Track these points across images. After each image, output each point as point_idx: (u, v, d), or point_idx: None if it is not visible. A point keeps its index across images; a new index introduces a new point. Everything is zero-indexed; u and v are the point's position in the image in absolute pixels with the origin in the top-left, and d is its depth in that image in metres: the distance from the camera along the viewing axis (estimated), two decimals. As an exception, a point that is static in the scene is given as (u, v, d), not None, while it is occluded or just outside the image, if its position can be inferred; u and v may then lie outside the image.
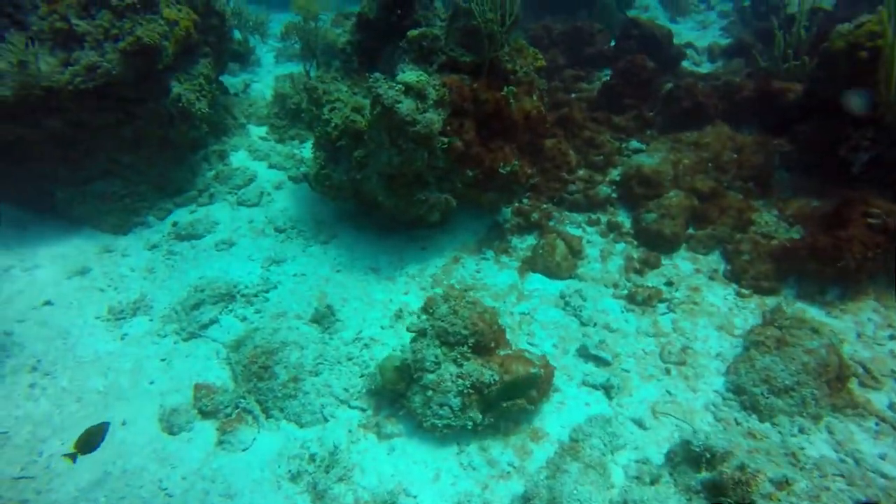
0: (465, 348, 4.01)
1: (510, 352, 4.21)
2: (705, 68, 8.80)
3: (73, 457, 3.53)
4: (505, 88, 5.48)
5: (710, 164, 6.13)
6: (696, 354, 4.51)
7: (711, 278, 5.27)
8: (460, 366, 3.97)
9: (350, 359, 4.53)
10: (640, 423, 3.99)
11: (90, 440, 3.56)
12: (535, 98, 5.88)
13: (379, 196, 5.22)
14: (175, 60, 5.90)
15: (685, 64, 8.62)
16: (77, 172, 5.74)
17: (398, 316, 4.90)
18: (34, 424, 4.11)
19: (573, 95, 8.00)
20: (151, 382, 4.44)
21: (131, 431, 4.12)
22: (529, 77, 5.86)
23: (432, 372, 3.95)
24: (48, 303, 5.07)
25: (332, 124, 5.30)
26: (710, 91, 6.95)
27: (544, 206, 6.23)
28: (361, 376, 4.43)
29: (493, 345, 4.15)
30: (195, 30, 6.06)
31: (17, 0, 4.83)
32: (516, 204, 6.15)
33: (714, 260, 5.46)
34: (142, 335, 4.83)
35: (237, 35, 7.40)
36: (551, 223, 6.01)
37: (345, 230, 5.79)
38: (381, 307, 5.01)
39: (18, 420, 4.14)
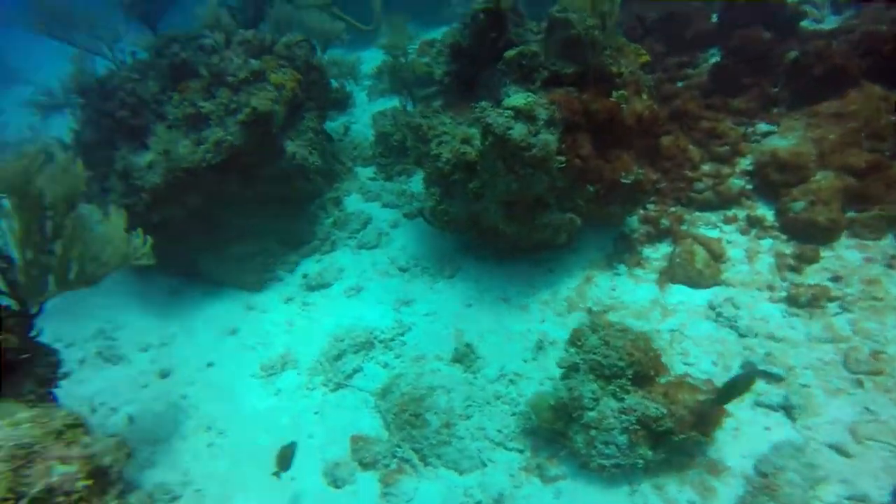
0: (624, 381, 3.78)
1: (671, 378, 3.92)
2: (830, 23, 7.87)
3: (277, 475, 4.03)
4: (614, 93, 5.21)
5: (862, 135, 5.42)
6: (891, 360, 3.95)
7: (890, 266, 4.62)
8: (621, 400, 3.74)
9: (498, 397, 4.45)
10: (840, 450, 3.53)
11: (285, 460, 4.03)
12: (644, 97, 5.54)
13: (500, 224, 5.12)
14: (285, 121, 6.20)
15: (804, 24, 7.74)
16: (214, 239, 6.17)
17: (539, 347, 4.75)
18: (220, 482, 4.40)
19: (679, 84, 7.47)
20: (311, 436, 4.61)
21: (301, 486, 4.28)
22: (635, 76, 5.53)
23: (592, 409, 3.75)
24: (210, 364, 5.46)
25: (443, 159, 5.28)
26: (847, 50, 6.16)
27: (672, 209, 5.83)
28: (513, 415, 4.32)
29: (652, 373, 3.88)
30: (300, 88, 6.33)
31: (159, 96, 5.29)
32: (641, 211, 5.80)
33: (889, 245, 4.79)
34: (293, 389, 5.05)
35: (334, 83, 7.67)
36: (683, 227, 5.60)
37: (468, 262, 5.74)
38: (520, 339, 4.88)
39: (207, 478, 4.45)
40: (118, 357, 5.84)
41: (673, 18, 8.26)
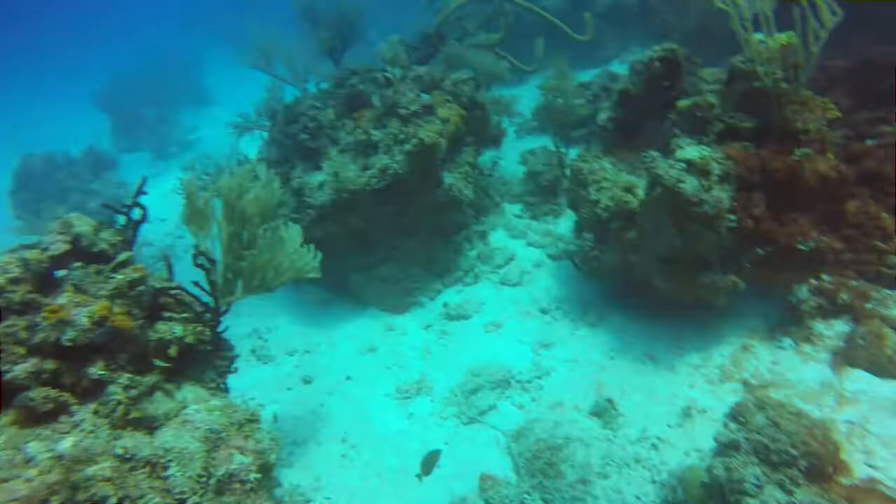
0: (795, 471, 3.37)
1: (857, 482, 3.44)
2: None
3: (420, 477, 4.37)
4: (796, 151, 4.83)
5: None
6: None
7: None
8: (789, 493, 3.34)
9: (638, 461, 4.19)
10: None
11: (428, 466, 4.32)
12: (830, 157, 5.08)
13: (655, 279, 4.90)
14: (446, 153, 6.48)
15: None
16: (366, 259, 6.56)
17: (686, 414, 4.42)
18: (349, 495, 4.57)
19: (870, 142, 6.72)
20: (439, 466, 4.64)
21: (426, 515, 4.32)
22: (821, 133, 5.08)
23: (753, 496, 3.39)
24: (348, 378, 5.75)
25: (602, 205, 5.19)
26: None
27: (853, 283, 5.19)
28: (653, 482, 4.04)
29: (830, 469, 3.43)
30: (463, 123, 6.60)
31: (335, 122, 5.82)
32: (813, 281, 5.24)
33: None
34: (426, 416, 5.14)
35: (493, 119, 7.90)
36: (868, 305, 4.95)
37: (613, 312, 5.54)
38: (665, 402, 4.58)
39: (336, 488, 4.64)
40: (268, 357, 6.36)
41: (867, 67, 7.49)
